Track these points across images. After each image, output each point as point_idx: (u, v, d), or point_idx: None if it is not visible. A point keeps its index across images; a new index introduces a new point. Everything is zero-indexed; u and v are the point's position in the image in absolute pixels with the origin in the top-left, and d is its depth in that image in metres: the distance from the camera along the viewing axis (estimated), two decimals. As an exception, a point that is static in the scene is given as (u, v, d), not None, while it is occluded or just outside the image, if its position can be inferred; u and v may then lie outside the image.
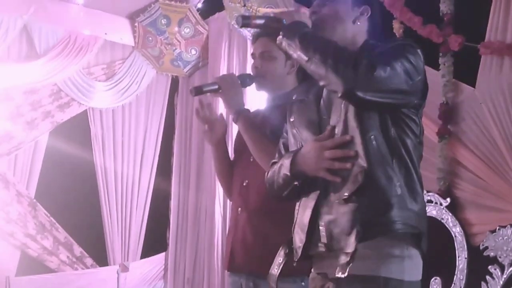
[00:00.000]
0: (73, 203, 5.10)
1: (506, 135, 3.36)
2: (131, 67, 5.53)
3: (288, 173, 1.76)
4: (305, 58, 1.64)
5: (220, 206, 5.08)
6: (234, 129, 4.91)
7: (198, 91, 2.27)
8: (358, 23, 1.80)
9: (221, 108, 5.08)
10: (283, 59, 2.32)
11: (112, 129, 5.47)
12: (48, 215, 5.07)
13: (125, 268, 5.34)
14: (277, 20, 1.75)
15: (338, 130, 1.70)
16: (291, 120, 1.86)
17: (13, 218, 4.94)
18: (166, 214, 5.71)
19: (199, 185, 5.43)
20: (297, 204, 1.81)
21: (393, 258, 1.63)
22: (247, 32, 4.96)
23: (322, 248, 1.67)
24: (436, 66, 3.70)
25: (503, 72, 3.44)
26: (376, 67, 1.58)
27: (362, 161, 1.63)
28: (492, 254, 3.26)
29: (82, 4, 5.19)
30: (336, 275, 1.60)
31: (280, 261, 1.82)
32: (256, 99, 3.42)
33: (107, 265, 5.34)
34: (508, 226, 3.23)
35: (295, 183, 1.77)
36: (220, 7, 5.23)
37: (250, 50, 4.99)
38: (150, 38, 5.50)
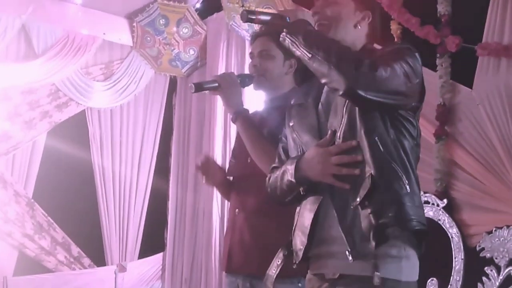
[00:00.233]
0: (71, 203, 5.10)
1: (503, 136, 3.37)
2: (129, 67, 5.54)
3: (293, 179, 1.77)
4: (309, 55, 1.66)
5: (217, 206, 5.09)
6: (232, 130, 4.93)
7: (198, 87, 2.28)
8: (359, 27, 1.83)
9: (219, 105, 5.11)
10: (281, 59, 2.33)
11: (110, 129, 5.48)
12: (46, 215, 5.08)
13: (122, 268, 5.34)
14: (281, 17, 1.76)
15: (340, 134, 1.71)
16: (291, 124, 1.87)
17: (11, 218, 4.94)
18: (164, 214, 5.71)
19: (197, 186, 5.43)
20: (298, 207, 1.82)
21: (390, 258, 1.64)
22: (245, 33, 4.97)
23: (349, 257, 1.64)
24: (433, 67, 3.71)
25: (500, 73, 3.45)
26: (377, 67, 1.61)
27: (369, 164, 1.65)
28: (488, 255, 3.27)
29: (81, 4, 5.20)
30: (375, 283, 1.60)
31: (279, 263, 1.82)
32: (254, 100, 3.42)
33: (105, 265, 5.35)
34: (505, 227, 3.24)
35: (300, 189, 1.78)
36: (218, 8, 5.24)
37: (248, 50, 5.01)
38: (149, 38, 5.51)
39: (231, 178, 2.48)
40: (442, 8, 3.72)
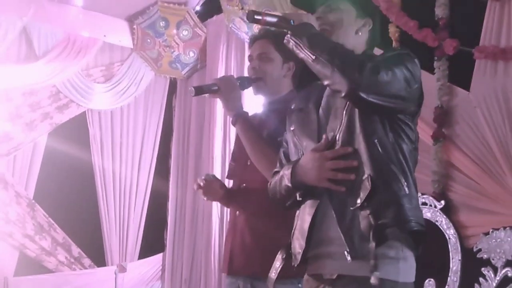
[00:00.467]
0: (72, 204, 5.12)
1: (499, 138, 3.39)
2: (130, 69, 5.56)
3: (289, 184, 1.79)
4: (312, 57, 1.68)
5: (217, 207, 5.10)
6: (232, 132, 4.95)
7: (198, 90, 2.29)
8: (360, 33, 1.86)
9: (219, 107, 5.13)
10: (280, 62, 2.35)
11: (110, 131, 5.50)
12: (47, 215, 5.10)
13: (122, 269, 5.35)
14: (286, 20, 1.79)
15: (339, 136, 1.74)
16: (291, 129, 1.90)
17: (11, 219, 4.96)
18: (163, 215, 5.73)
19: (197, 187, 5.44)
20: (297, 211, 1.84)
21: (388, 259, 1.66)
22: (245, 35, 4.99)
23: (348, 257, 1.67)
24: (431, 70, 3.72)
25: (497, 76, 3.47)
26: (380, 70, 1.64)
27: (367, 165, 1.67)
28: (485, 256, 3.29)
29: (81, 6, 5.22)
30: (372, 282, 1.62)
31: (278, 266, 1.85)
32: (252, 103, 3.44)
33: (105, 265, 5.36)
34: (501, 228, 3.26)
35: (297, 194, 1.80)
36: (218, 10, 5.26)
37: (247, 52, 5.02)
38: (149, 40, 5.53)
39: (231, 180, 2.51)
40: (440, 11, 3.74)
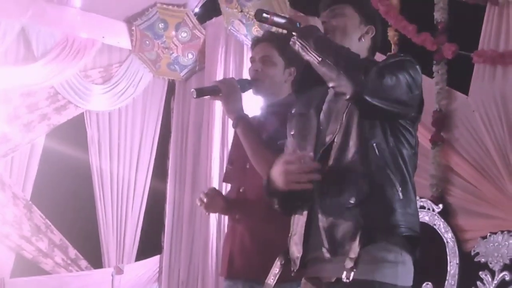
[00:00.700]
0: (69, 206, 5.11)
1: (498, 142, 3.40)
2: (128, 70, 5.56)
3: (266, 192, 1.84)
4: (319, 59, 1.70)
5: (215, 210, 5.09)
6: (230, 133, 4.95)
7: (200, 93, 2.29)
8: (363, 40, 1.89)
9: (217, 109, 5.14)
10: (282, 66, 2.36)
11: (108, 132, 5.49)
12: (44, 217, 5.09)
13: (119, 271, 5.35)
14: (293, 22, 1.79)
15: (337, 138, 1.76)
16: (292, 133, 1.91)
17: (8, 220, 4.95)
18: (161, 217, 5.73)
19: (195, 188, 5.45)
20: (293, 215, 1.86)
21: (387, 263, 1.67)
22: (244, 37, 5.00)
23: (326, 254, 1.70)
24: (430, 74, 3.73)
25: (495, 80, 3.48)
26: (385, 75, 1.66)
27: (363, 168, 1.69)
28: (483, 260, 3.29)
29: (80, 8, 5.21)
30: (343, 279, 1.63)
31: (276, 272, 1.85)
32: (251, 105, 3.44)
33: (102, 267, 5.35)
34: (499, 232, 3.26)
35: (275, 201, 1.85)
36: (217, 12, 5.26)
37: (246, 55, 5.04)
38: (147, 42, 5.53)
39: (229, 183, 2.51)
40: (439, 15, 3.75)
